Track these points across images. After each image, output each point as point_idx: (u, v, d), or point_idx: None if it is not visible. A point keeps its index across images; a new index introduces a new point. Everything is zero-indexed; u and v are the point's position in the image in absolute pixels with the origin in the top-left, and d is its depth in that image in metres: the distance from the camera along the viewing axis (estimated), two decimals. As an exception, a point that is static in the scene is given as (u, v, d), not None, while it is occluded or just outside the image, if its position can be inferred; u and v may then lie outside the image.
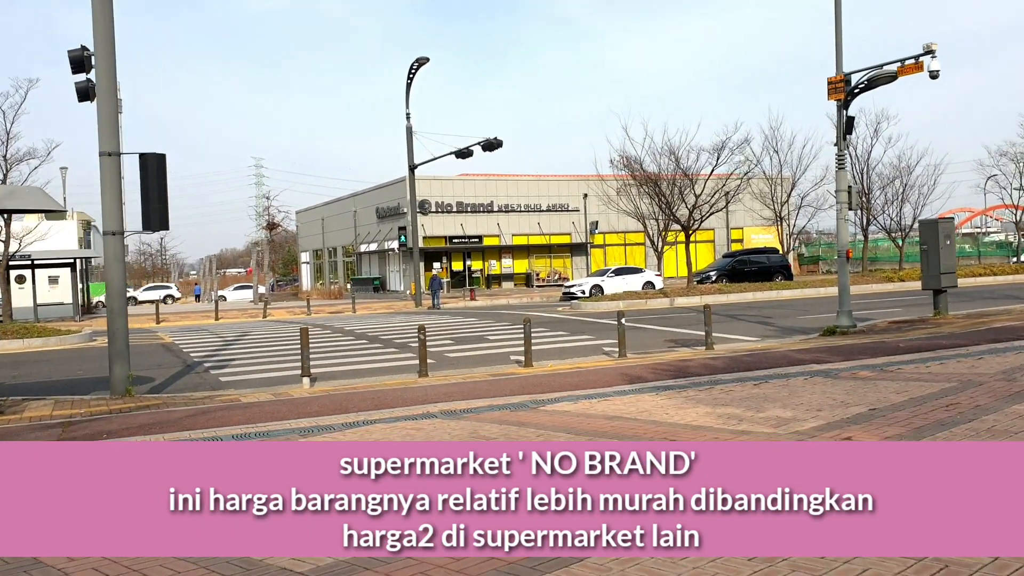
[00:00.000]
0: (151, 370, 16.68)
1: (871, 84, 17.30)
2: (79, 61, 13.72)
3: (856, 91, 17.58)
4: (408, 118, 37.95)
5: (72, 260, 35.45)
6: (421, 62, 36.85)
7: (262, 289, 49.72)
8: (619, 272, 38.91)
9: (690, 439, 7.10)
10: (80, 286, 38.82)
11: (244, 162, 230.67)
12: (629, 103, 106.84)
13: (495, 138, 32.87)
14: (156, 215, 12.73)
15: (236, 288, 67.07)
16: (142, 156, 12.77)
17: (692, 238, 38.13)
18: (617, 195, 35.62)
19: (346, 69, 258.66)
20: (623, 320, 15.80)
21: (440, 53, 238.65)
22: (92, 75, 13.17)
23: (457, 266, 51.17)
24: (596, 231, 53.51)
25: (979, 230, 79.30)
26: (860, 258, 47.92)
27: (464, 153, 34.42)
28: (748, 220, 53.08)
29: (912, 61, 16.60)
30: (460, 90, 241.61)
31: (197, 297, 71.13)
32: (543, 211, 53.29)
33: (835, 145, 18.33)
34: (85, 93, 14.61)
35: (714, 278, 38.76)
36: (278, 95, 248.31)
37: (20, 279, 35.46)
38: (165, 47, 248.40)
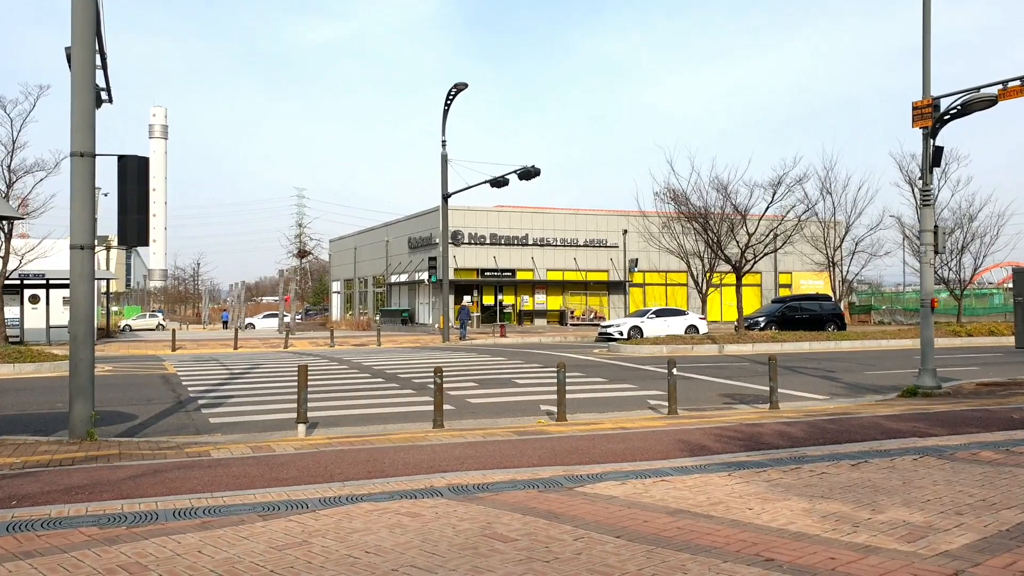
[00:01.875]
0: (138, 405, 14.83)
1: (965, 110, 15.08)
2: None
3: (946, 117, 15.38)
4: (444, 145, 36.31)
5: (88, 280, 33.97)
6: (459, 88, 35.24)
7: (287, 318, 48.05)
8: (660, 313, 36.60)
9: (795, 559, 4.93)
10: (97, 309, 37.29)
11: (286, 191, 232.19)
12: (671, 141, 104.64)
13: (532, 166, 30.96)
14: (134, 227, 10.89)
15: (265, 316, 65.69)
16: (121, 159, 10.98)
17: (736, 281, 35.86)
18: (661, 231, 33.44)
19: (390, 103, 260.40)
20: (674, 370, 13.61)
21: (481, 89, 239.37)
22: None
23: (488, 300, 49.13)
24: (636, 269, 51.26)
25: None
26: (911, 308, 45.29)
27: (500, 182, 32.54)
28: (798, 264, 50.58)
29: (1017, 83, 14.38)
30: (498, 127, 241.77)
31: (225, 323, 70.03)
32: (580, 246, 51.21)
33: (920, 179, 16.11)
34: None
35: (763, 324, 36.35)
36: (323, 126, 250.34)
37: (34, 299, 34.07)
38: (213, 77, 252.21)
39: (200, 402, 15.28)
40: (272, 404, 14.72)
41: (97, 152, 10.85)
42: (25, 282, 32.64)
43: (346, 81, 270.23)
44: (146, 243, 11.02)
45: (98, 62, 12.85)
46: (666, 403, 14.89)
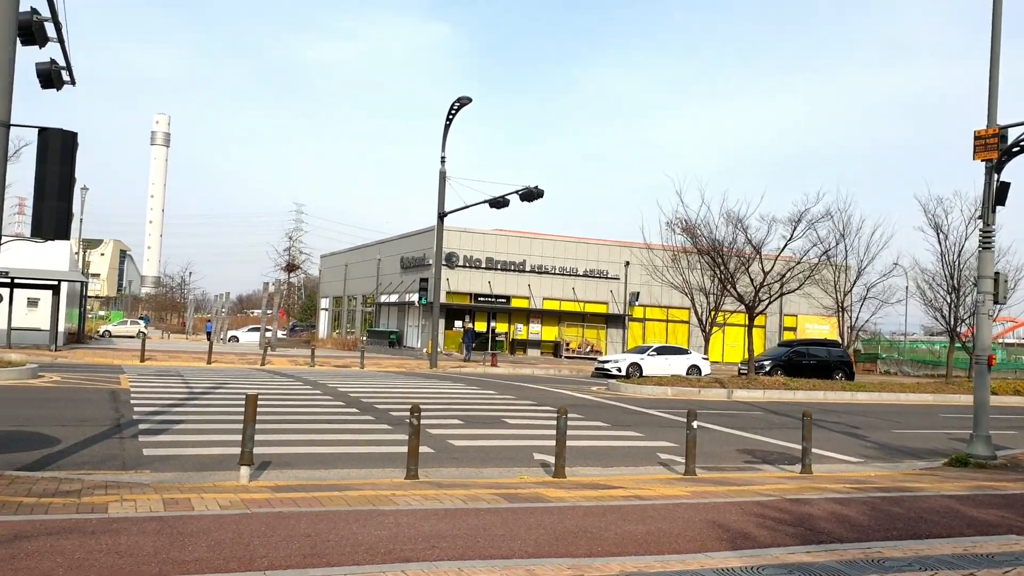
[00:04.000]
0: (68, 427, 12.74)
1: (1039, 141, 13.21)
2: (27, 28, 10.13)
3: (1015, 149, 13.49)
4: (443, 162, 34.39)
5: (56, 282, 31.83)
6: (463, 102, 33.40)
7: (269, 333, 45.84)
8: (662, 351, 34.56)
9: None
10: (65, 311, 35.12)
11: (283, 205, 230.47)
12: (680, 174, 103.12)
13: (535, 187, 29.05)
14: (52, 217, 8.84)
15: (250, 329, 63.46)
16: (42, 131, 8.96)
17: (745, 321, 33.86)
18: (665, 264, 31.44)
19: (392, 125, 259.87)
20: (695, 423, 11.55)
21: (485, 119, 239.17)
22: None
23: (480, 326, 46.96)
24: (636, 303, 49.23)
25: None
26: (932, 361, 43.29)
27: (500, 202, 30.61)
28: (804, 307, 48.61)
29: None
30: (500, 158, 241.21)
31: (209, 334, 67.86)
32: (579, 275, 49.18)
33: (979, 218, 14.16)
34: (47, 77, 11.13)
35: (768, 368, 34.30)
36: (324, 144, 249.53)
37: (-4, 297, 31.85)
38: (219, 89, 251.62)
39: (141, 427, 13.18)
40: (222, 435, 12.63)
41: (13, 122, 8.84)
42: (-8, 279, 30.47)
43: (350, 101, 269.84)
44: (65, 236, 8.98)
45: (52, 33, 10.98)
46: (679, 457, 12.94)
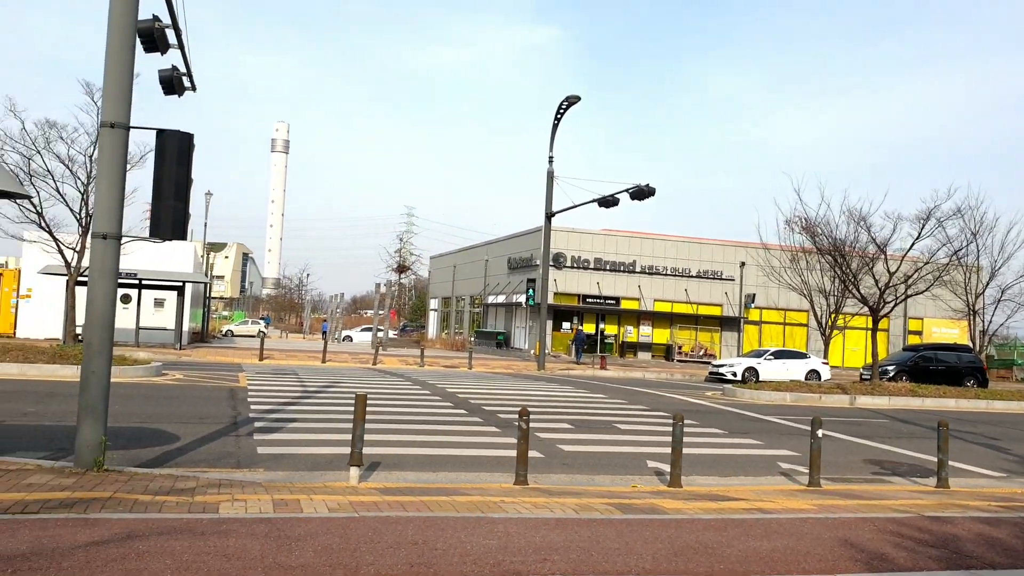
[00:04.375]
0: (187, 424, 13.06)
1: None
2: (149, 35, 10.41)
3: None
4: (551, 161, 34.17)
5: (180, 283, 33.16)
6: (571, 101, 33.10)
7: (381, 333, 46.64)
8: (779, 355, 33.31)
9: None
10: (189, 312, 36.57)
11: (395, 208, 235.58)
12: (793, 176, 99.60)
13: (646, 185, 28.42)
14: (169, 217, 9.00)
15: (363, 329, 64.93)
16: (160, 134, 9.13)
17: (867, 324, 32.27)
18: (791, 261, 30.23)
19: (502, 127, 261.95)
20: (820, 432, 10.88)
21: (593, 120, 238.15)
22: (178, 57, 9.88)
23: (589, 328, 46.46)
24: (752, 305, 47.75)
25: None
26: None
27: (609, 201, 30.12)
28: (931, 310, 46.13)
29: None
30: (607, 160, 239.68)
31: (324, 334, 69.86)
32: (692, 276, 48.07)
33: None
34: (169, 83, 11.42)
35: (892, 374, 32.63)
36: (434, 147, 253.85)
37: (125, 299, 33.43)
38: (333, 97, 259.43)
39: (256, 424, 13.40)
40: (334, 434, 12.69)
41: (133, 124, 9.03)
42: (118, 281, 31.99)
43: (460, 105, 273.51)
44: (182, 236, 9.13)
45: (173, 40, 11.24)
46: (801, 467, 12.27)
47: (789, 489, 10.59)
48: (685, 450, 11.49)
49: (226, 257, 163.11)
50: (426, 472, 10.42)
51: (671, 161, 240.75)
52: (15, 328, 34.62)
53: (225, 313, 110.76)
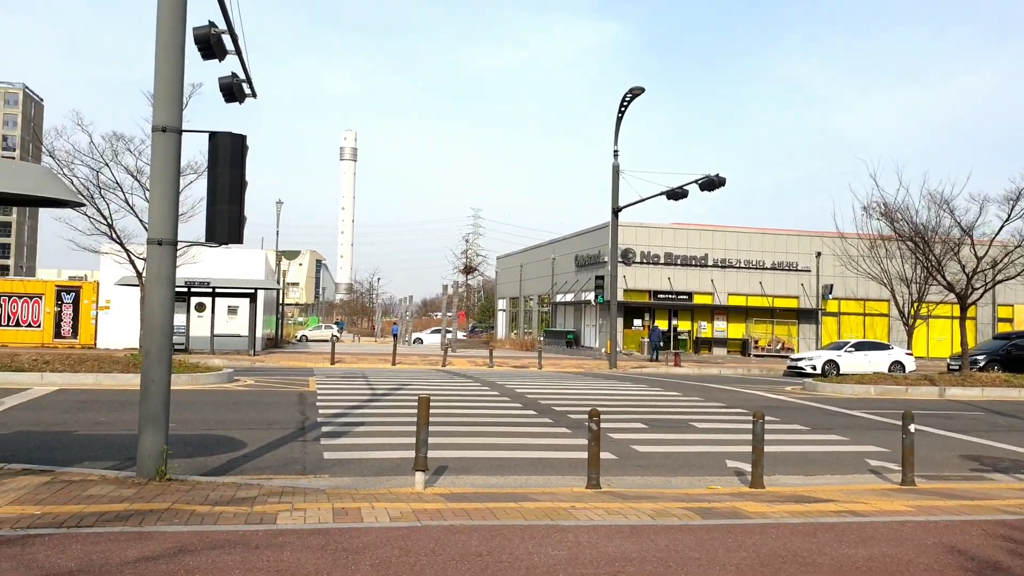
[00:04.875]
0: (255, 430, 12.97)
1: None
2: (206, 41, 10.31)
3: None
4: (615, 156, 33.57)
5: (253, 290, 33.57)
6: (635, 93, 32.42)
7: (449, 334, 46.62)
8: (860, 347, 32.04)
9: None
10: (262, 318, 37.03)
11: (461, 211, 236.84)
12: (869, 161, 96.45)
13: (716, 175, 27.59)
14: (224, 221, 8.80)
15: (433, 331, 65.17)
16: (213, 136, 8.95)
17: (953, 312, 30.96)
18: (870, 249, 29.08)
19: (563, 126, 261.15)
20: (912, 426, 10.15)
21: (657, 113, 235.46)
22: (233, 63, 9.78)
23: (661, 325, 45.61)
24: (830, 296, 46.21)
25: None
26: None
27: (678, 193, 29.36)
28: (1023, 296, 44.03)
29: None
30: (674, 153, 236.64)
31: (395, 337, 70.41)
32: (766, 269, 46.76)
33: None
34: (229, 90, 11.32)
35: (982, 363, 31.07)
36: (497, 148, 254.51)
37: (200, 307, 34.01)
38: (397, 103, 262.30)
39: (324, 429, 13.23)
40: (401, 437, 12.41)
41: (185, 128, 8.88)
42: (192, 289, 32.56)
43: (523, 104, 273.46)
44: (238, 240, 8.92)
45: (230, 46, 11.13)
46: (891, 464, 11.55)
47: (881, 488, 9.91)
48: (766, 448, 10.88)
49: (300, 264, 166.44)
50: (494, 476, 10.06)
51: (740, 153, 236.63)
52: (96, 339, 35.54)
53: (300, 319, 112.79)
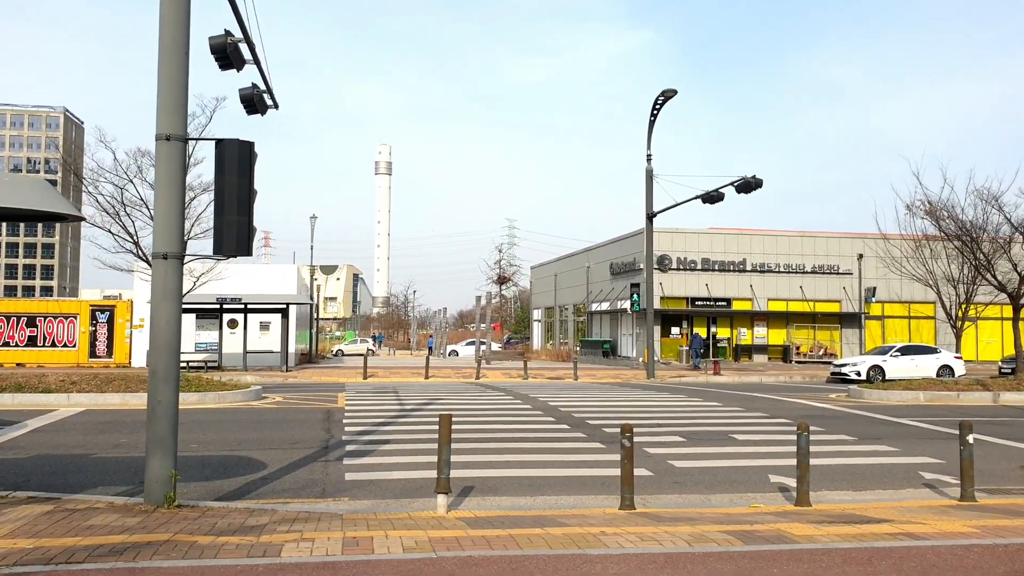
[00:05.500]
0: (277, 450, 12.57)
1: None
2: (222, 51, 10.01)
3: None
4: (648, 160, 32.89)
5: (284, 306, 33.39)
6: (668, 95, 31.76)
7: (483, 346, 46.12)
8: (906, 351, 31.00)
9: None
10: (295, 333, 36.87)
11: (495, 221, 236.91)
12: (911, 159, 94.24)
13: (752, 177, 26.83)
14: (233, 232, 8.37)
15: (468, 343, 64.82)
16: (219, 144, 8.54)
17: (1003, 313, 29.79)
18: (915, 250, 28.05)
19: (597, 133, 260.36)
20: (970, 437, 9.42)
21: (692, 118, 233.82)
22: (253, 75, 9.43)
23: (699, 332, 44.71)
24: (873, 299, 44.98)
25: None
26: None
27: (714, 197, 28.63)
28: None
29: None
30: (710, 158, 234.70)
31: (430, 349, 70.21)
32: (807, 272, 45.66)
33: None
34: (250, 101, 11.03)
35: (1033, 365, 29.80)
36: (530, 158, 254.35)
37: (232, 323, 33.90)
38: (432, 117, 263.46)
39: (348, 448, 12.79)
40: (427, 455, 11.90)
41: (190, 136, 8.49)
42: (224, 306, 32.47)
43: (557, 113, 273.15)
44: (246, 252, 8.48)
45: (247, 55, 10.81)
46: (947, 477, 10.85)
47: (938, 504, 9.20)
48: (812, 460, 10.24)
49: (338, 279, 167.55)
50: (523, 497, 9.52)
51: (777, 157, 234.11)
52: (131, 358, 35.59)
53: (338, 333, 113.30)
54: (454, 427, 14.81)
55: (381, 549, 6.28)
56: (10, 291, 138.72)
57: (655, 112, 32.26)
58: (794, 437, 9.19)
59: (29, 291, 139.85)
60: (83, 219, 8.81)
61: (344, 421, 16.15)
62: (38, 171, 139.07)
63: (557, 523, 7.50)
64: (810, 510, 8.63)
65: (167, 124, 8.27)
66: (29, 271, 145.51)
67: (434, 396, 21.95)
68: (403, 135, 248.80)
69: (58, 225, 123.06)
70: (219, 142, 8.55)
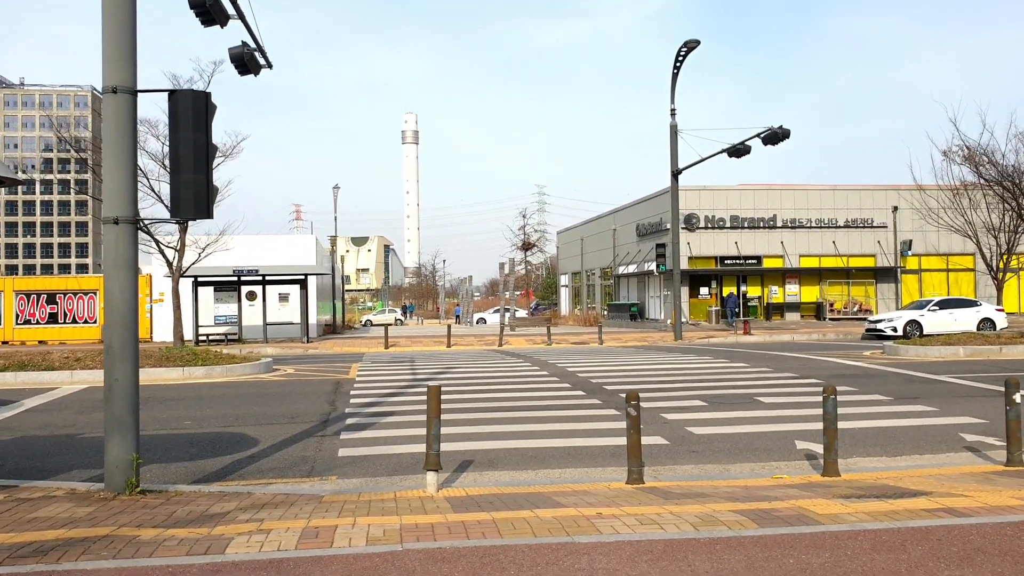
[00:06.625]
0: (273, 425, 11.97)
1: None
2: (201, 5, 9.25)
3: None
4: (672, 115, 31.71)
5: (303, 276, 32.83)
6: (690, 46, 30.48)
7: (508, 313, 45.39)
8: (945, 304, 29.74)
9: None
10: (316, 304, 36.37)
11: (524, 188, 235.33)
12: (948, 105, 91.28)
13: (780, 127, 25.59)
14: (191, 192, 7.62)
15: (494, 311, 64.21)
16: (172, 95, 7.76)
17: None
18: (952, 200, 26.73)
19: (624, 95, 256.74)
20: (1017, 396, 8.47)
21: (720, 76, 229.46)
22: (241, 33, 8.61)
23: (732, 291, 43.57)
24: (909, 252, 43.48)
25: None
26: None
27: (740, 150, 27.44)
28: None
29: None
30: (741, 115, 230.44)
31: (457, 318, 69.77)
32: (839, 227, 44.20)
33: None
34: (240, 60, 10.30)
35: (1081, 317, 28.49)
36: (558, 122, 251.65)
37: (251, 296, 33.44)
38: (458, 85, 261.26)
39: (348, 421, 12.14)
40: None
41: (140, 88, 7.71)
42: (242, 278, 31.99)
43: (581, 77, 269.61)
44: (206, 214, 7.72)
45: (231, 10, 10.04)
46: (991, 439, 9.97)
47: (981, 471, 8.30)
48: (842, 424, 9.41)
49: (369, 250, 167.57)
50: (524, 471, 8.79)
51: (807, 111, 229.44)
52: (152, 332, 35.35)
53: (370, 304, 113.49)
54: (459, 396, 14.17)
55: (341, 542, 5.53)
56: (46, 269, 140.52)
57: (678, 64, 31.03)
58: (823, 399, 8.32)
59: (65, 269, 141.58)
60: (22, 182, 8.10)
61: (352, 392, 15.51)
62: (67, 150, 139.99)
63: (552, 502, 6.73)
64: (838, 481, 7.79)
65: (113, 75, 7.49)
66: (64, 250, 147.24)
67: (450, 365, 21.27)
68: (429, 104, 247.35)
69: (90, 202, 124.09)
70: (172, 93, 7.78)
